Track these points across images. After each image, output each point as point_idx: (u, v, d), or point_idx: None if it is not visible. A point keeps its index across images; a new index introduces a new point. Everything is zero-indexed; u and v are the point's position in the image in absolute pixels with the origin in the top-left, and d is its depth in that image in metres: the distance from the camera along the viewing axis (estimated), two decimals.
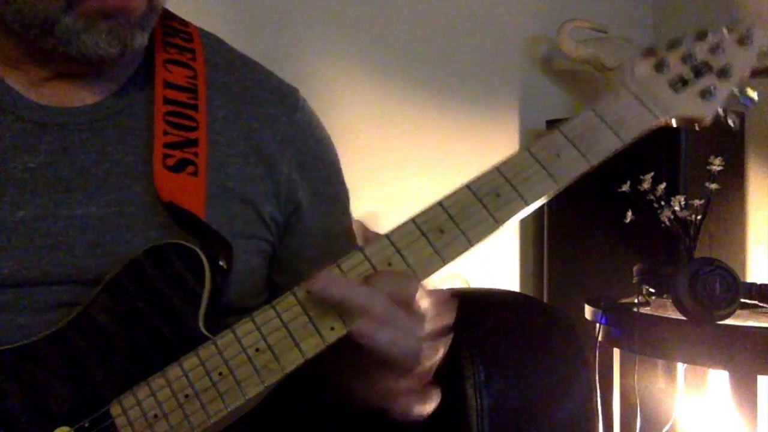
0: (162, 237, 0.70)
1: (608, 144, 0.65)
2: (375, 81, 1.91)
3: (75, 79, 0.73)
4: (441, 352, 0.64)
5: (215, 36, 0.84)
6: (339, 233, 0.84)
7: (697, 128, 0.70)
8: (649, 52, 0.70)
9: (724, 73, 0.69)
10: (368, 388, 0.63)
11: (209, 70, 0.79)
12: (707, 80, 0.68)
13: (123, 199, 0.71)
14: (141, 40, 0.70)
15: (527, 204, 0.63)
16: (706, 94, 0.68)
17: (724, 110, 0.70)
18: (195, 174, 0.72)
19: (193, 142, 0.73)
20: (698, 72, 0.69)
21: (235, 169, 0.76)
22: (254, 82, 0.81)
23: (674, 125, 0.69)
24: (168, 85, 0.75)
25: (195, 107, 0.75)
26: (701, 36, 0.71)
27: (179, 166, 0.72)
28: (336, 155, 0.87)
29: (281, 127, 0.80)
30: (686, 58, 0.69)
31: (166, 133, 0.72)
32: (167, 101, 0.74)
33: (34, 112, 0.72)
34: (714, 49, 0.69)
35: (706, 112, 0.68)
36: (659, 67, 0.69)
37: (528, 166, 0.64)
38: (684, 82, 0.68)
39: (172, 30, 0.79)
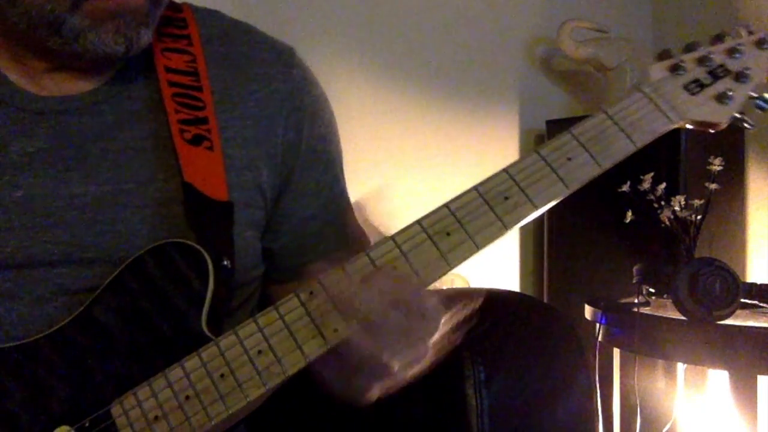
0: (160, 213, 0.71)
1: (620, 148, 0.64)
2: (374, 81, 1.91)
3: (73, 70, 0.74)
4: (426, 361, 0.63)
5: (208, 9, 0.84)
6: (335, 192, 0.85)
7: (711, 131, 0.68)
8: (665, 54, 0.69)
9: (741, 77, 0.67)
10: (339, 382, 0.61)
11: (206, 46, 0.80)
12: (724, 84, 0.67)
13: (120, 177, 0.72)
14: (146, 37, 0.72)
15: (537, 208, 0.62)
16: (722, 98, 0.66)
17: (741, 114, 0.68)
18: (211, 149, 0.73)
19: (204, 120, 0.74)
20: (715, 75, 0.67)
21: (234, 134, 0.77)
22: (249, 45, 0.82)
23: (689, 128, 0.68)
24: (169, 70, 0.76)
25: (200, 89, 0.76)
26: (719, 38, 0.69)
27: (196, 140, 0.73)
28: (332, 115, 0.87)
29: (277, 86, 0.80)
30: (703, 61, 0.68)
31: (177, 111, 0.73)
32: (171, 84, 0.75)
33: (33, 103, 0.73)
34: (732, 52, 0.68)
35: (722, 116, 0.67)
36: (675, 69, 0.67)
37: (538, 169, 0.63)
38: (700, 86, 0.67)
39: (165, 19, 0.79)
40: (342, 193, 0.87)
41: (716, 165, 1.42)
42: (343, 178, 0.88)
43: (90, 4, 0.66)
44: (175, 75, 0.76)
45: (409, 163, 1.95)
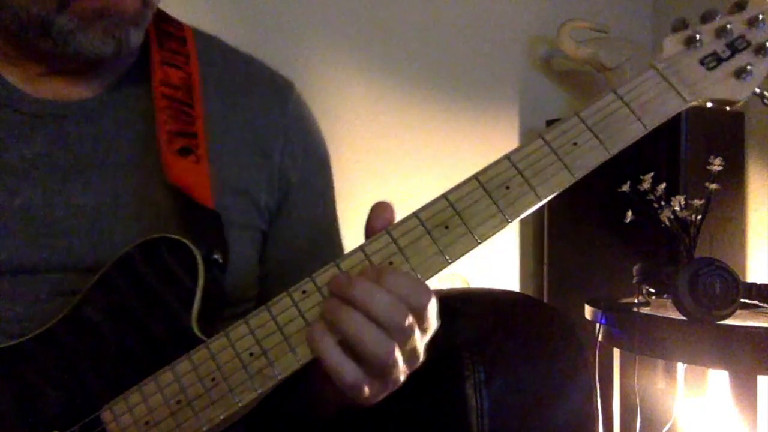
0: (157, 225, 0.70)
1: (630, 131, 0.59)
2: (375, 81, 1.91)
3: (70, 75, 0.74)
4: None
5: (210, 35, 0.85)
6: (325, 225, 0.86)
7: (728, 109, 0.63)
8: (680, 25, 0.63)
9: (762, 50, 0.61)
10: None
11: (203, 68, 0.80)
12: (744, 57, 0.61)
13: (119, 188, 0.72)
14: (136, 37, 0.71)
15: (540, 199, 0.58)
16: (741, 73, 0.61)
17: (761, 89, 0.63)
18: (198, 162, 0.73)
19: (193, 135, 0.74)
20: (734, 48, 0.62)
21: (231, 159, 0.77)
22: (248, 75, 0.83)
23: (707, 106, 0.63)
24: (164, 83, 0.76)
25: (190, 105, 0.76)
26: (739, 6, 0.63)
27: (184, 152, 0.72)
28: (326, 150, 0.88)
29: (273, 118, 0.81)
30: (721, 33, 0.62)
31: (166, 122, 0.73)
32: (165, 97, 0.75)
33: (31, 105, 0.73)
34: (753, 22, 0.62)
35: (741, 92, 0.61)
36: (690, 42, 0.62)
37: (542, 155, 0.59)
38: (717, 59, 0.61)
39: (167, 34, 0.80)
40: (329, 228, 0.87)
41: (716, 165, 1.42)
42: (334, 212, 0.88)
43: (76, 4, 0.66)
44: (168, 89, 0.76)
45: (409, 162, 1.95)
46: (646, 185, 1.46)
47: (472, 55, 2.04)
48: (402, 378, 0.59)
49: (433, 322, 0.58)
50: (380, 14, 1.92)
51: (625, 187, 1.48)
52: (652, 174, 1.46)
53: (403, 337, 0.55)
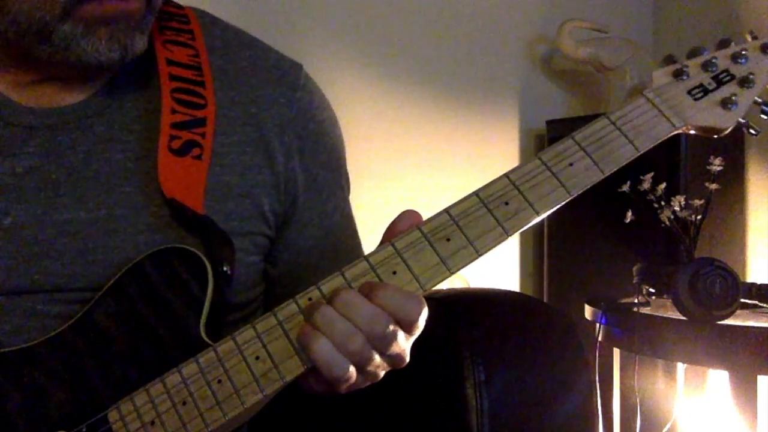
0: (153, 240, 0.69)
1: (623, 153, 0.64)
2: (375, 81, 1.91)
3: (62, 81, 0.72)
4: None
5: (210, 15, 0.81)
6: (335, 220, 0.82)
7: (716, 137, 0.68)
8: (669, 59, 0.68)
9: (746, 82, 0.67)
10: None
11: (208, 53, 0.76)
12: (728, 89, 0.66)
13: (113, 201, 0.69)
14: (141, 43, 0.69)
15: (538, 214, 0.62)
16: (727, 103, 0.66)
17: (746, 119, 0.68)
18: (199, 157, 0.70)
19: (202, 122, 0.71)
20: (719, 80, 0.67)
21: (232, 160, 0.74)
22: (251, 62, 0.78)
23: (692, 133, 0.67)
24: (171, 62, 0.73)
25: (202, 84, 0.73)
26: (723, 43, 0.69)
27: (184, 149, 0.70)
28: (338, 137, 0.84)
29: (280, 110, 0.77)
30: (707, 66, 0.67)
31: (174, 111, 0.71)
32: (173, 78, 0.72)
33: (21, 116, 0.71)
34: (736, 57, 0.68)
35: (727, 121, 0.66)
36: (678, 74, 0.67)
37: (539, 174, 0.62)
38: (704, 91, 0.66)
39: (167, 14, 0.77)
40: (341, 221, 0.83)
41: (716, 165, 1.42)
42: (347, 201, 0.85)
43: (83, 9, 0.64)
44: (177, 68, 0.73)
45: (409, 163, 1.95)
46: (646, 185, 1.46)
47: (472, 55, 2.04)
48: (381, 374, 0.61)
49: (421, 326, 0.60)
50: (380, 14, 1.92)
51: (625, 187, 1.48)
52: (652, 174, 1.46)
53: (383, 344, 0.58)
